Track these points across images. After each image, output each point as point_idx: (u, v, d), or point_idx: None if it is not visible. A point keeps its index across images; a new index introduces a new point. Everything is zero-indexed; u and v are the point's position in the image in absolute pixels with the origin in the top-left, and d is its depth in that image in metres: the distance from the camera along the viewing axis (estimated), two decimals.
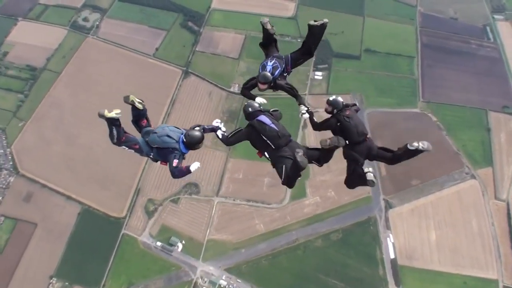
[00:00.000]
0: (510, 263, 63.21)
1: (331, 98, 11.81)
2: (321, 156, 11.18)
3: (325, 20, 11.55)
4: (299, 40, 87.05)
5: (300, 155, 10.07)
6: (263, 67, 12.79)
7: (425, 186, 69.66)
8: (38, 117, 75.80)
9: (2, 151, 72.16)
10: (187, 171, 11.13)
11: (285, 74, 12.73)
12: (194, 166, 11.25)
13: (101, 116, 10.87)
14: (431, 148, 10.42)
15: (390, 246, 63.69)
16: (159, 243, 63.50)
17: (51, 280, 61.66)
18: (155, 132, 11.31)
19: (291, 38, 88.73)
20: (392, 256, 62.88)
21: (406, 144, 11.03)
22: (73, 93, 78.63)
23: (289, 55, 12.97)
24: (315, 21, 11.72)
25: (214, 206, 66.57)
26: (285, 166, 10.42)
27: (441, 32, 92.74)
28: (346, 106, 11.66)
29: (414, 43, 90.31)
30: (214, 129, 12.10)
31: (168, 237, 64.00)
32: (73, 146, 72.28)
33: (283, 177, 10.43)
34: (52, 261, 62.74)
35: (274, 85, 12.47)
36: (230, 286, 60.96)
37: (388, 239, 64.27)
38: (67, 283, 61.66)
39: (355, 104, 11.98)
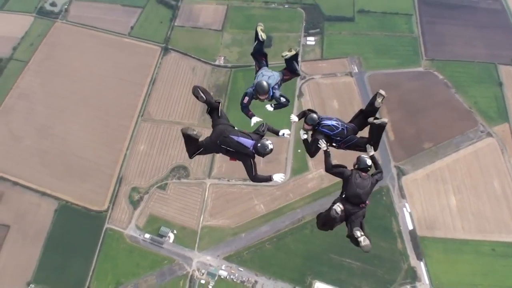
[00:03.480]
0: None
1: (363, 156, 11.46)
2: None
3: (385, 120, 11.18)
4: (286, 6, 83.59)
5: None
6: (330, 118, 12.06)
7: (439, 149, 63.71)
8: (5, 110, 68.80)
9: None
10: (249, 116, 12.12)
11: (334, 145, 12.15)
12: (254, 119, 12.06)
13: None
14: (369, 249, 10.18)
15: (407, 217, 57.52)
16: (147, 235, 56.94)
17: (29, 287, 54.85)
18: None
19: (277, 4, 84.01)
20: (410, 227, 56.70)
21: (353, 230, 10.39)
22: (43, 82, 71.84)
23: (357, 139, 12.00)
24: (375, 118, 11.35)
25: (207, 189, 60.33)
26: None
27: None
28: (367, 169, 11.24)
29: (411, 0, 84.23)
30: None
31: (157, 227, 57.55)
32: (46, 138, 65.47)
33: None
34: (29, 266, 55.96)
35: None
36: (232, 276, 54.59)
37: (404, 209, 58.17)
38: None
39: (380, 172, 11.57)
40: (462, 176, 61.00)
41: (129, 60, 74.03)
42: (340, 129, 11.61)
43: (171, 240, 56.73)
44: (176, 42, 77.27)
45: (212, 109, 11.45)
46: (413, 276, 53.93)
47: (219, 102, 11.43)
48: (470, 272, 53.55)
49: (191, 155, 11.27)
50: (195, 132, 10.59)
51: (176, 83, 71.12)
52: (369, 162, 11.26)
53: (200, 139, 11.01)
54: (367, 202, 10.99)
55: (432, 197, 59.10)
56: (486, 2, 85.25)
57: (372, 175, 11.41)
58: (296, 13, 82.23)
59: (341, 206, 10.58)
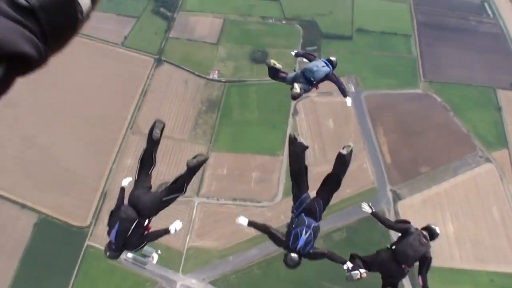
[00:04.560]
0: None
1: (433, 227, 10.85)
2: None
3: (351, 144, 10.63)
4: (284, 22, 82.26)
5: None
6: (296, 236, 10.25)
7: (436, 173, 62.17)
8: None
9: None
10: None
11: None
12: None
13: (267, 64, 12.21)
14: None
15: None
16: (130, 255, 53.78)
17: None
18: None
19: (274, 20, 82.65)
20: None
21: None
22: (31, 89, 68.47)
23: (320, 201, 10.59)
24: (343, 148, 10.54)
25: (195, 208, 57.85)
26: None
27: (437, 9, 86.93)
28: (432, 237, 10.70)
29: (409, 21, 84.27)
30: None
31: None
32: (30, 148, 62.72)
33: None
34: (3, 282, 52.91)
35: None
36: None
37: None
38: None
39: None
40: (460, 202, 59.38)
41: (121, 70, 71.91)
42: (312, 234, 10.37)
43: (154, 261, 54.20)
44: (170, 54, 75.29)
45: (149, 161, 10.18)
46: None
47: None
48: None
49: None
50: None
51: (167, 96, 69.04)
52: (438, 230, 10.91)
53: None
54: (409, 267, 10.49)
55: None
56: (486, 26, 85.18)
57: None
58: (293, 29, 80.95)
59: (361, 275, 10.05)
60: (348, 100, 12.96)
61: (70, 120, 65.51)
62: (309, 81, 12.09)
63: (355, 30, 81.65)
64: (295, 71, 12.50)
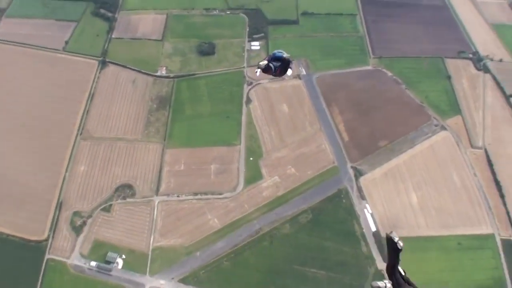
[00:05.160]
0: (503, 214, 57.01)
1: None
2: None
3: None
4: (228, 12, 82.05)
5: None
6: None
7: (394, 146, 62.47)
8: None
9: None
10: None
11: None
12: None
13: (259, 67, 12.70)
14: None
15: (369, 218, 55.39)
16: (93, 263, 52.09)
17: None
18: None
19: (218, 11, 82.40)
20: (373, 228, 54.47)
21: None
22: None
23: None
24: None
25: (156, 207, 56.13)
26: None
27: None
28: None
29: (354, 0, 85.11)
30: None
31: (103, 253, 52.66)
32: None
33: None
34: None
35: None
36: None
37: (365, 210, 56.09)
38: None
39: None
40: (420, 172, 59.79)
41: (65, 76, 69.38)
42: None
43: (119, 266, 51.97)
44: (115, 55, 73.31)
45: None
46: (382, 279, 51.39)
47: None
48: (438, 269, 51.70)
49: None
50: None
51: (116, 97, 66.93)
52: None
53: None
54: None
55: (392, 196, 57.31)
56: None
57: None
58: (239, 19, 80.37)
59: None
60: (289, 71, 13.05)
61: (17, 132, 62.78)
62: (279, 59, 12.73)
63: (301, 14, 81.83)
64: (264, 60, 12.93)
